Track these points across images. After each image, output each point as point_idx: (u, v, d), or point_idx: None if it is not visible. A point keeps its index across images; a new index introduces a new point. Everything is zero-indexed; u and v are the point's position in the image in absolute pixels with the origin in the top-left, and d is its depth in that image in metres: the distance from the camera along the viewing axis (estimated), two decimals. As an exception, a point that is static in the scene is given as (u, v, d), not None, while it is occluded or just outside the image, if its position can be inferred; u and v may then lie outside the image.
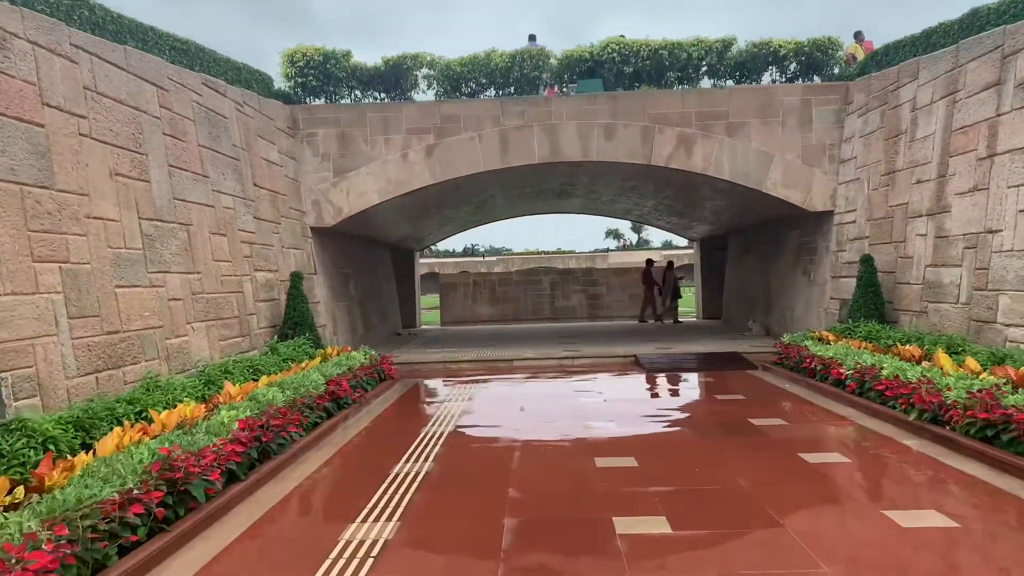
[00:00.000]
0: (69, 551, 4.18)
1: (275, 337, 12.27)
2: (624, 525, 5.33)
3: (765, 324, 18.57)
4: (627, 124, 15.19)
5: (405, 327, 24.98)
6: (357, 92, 17.83)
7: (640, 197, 20.26)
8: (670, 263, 23.81)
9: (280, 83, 16.69)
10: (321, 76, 16.36)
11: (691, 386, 12.35)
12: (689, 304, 32.27)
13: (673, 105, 15.33)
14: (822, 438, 8.21)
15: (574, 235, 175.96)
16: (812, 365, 11.29)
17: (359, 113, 15.60)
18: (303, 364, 11.04)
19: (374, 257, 21.69)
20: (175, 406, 7.42)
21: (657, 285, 23.94)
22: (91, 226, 7.76)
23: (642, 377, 13.24)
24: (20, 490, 4.80)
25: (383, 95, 17.70)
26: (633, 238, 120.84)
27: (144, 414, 6.92)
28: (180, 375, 9.11)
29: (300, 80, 16.39)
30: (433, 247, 50.90)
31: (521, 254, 78.81)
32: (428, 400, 12.07)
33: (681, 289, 24.18)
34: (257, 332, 12.04)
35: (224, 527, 5.64)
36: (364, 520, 5.66)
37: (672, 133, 15.16)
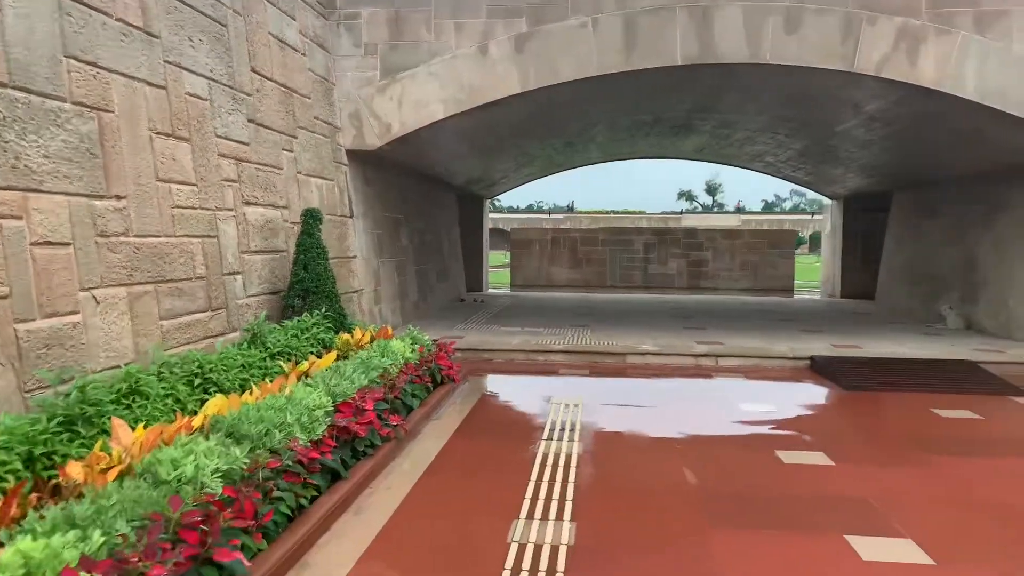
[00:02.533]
0: None
1: (263, 314, 7.68)
2: None
3: (966, 315, 13.35)
4: (821, 9, 10.04)
5: (469, 291, 20.47)
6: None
7: (790, 134, 15.03)
8: None
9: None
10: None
11: (957, 430, 7.38)
12: (813, 276, 26.87)
13: (892, -16, 10.13)
14: None
15: (635, 193, 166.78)
16: None
17: (421, -15, 10.81)
18: (306, 364, 6.52)
19: (436, 199, 17.05)
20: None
21: None
22: None
23: (843, 399, 8.37)
24: None
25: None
26: (707, 200, 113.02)
27: None
28: (45, 393, 4.67)
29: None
30: (496, 201, 45.91)
31: (588, 212, 73.26)
32: (508, 434, 7.34)
33: None
34: (241, 302, 7.57)
35: None
36: None
37: (889, 26, 9.96)
